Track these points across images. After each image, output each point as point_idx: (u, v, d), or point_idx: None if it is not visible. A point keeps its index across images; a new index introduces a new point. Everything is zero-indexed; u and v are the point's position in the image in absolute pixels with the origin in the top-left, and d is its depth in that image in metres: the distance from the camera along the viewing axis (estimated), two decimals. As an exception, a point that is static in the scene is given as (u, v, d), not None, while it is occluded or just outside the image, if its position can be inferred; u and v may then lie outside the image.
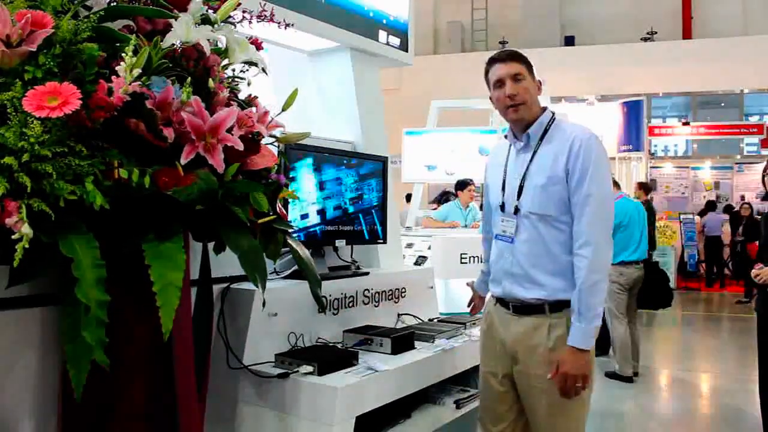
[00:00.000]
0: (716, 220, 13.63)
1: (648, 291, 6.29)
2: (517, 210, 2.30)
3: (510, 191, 2.34)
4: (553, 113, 2.37)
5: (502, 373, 2.36)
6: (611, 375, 6.15)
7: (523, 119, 2.32)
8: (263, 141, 1.74)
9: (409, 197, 10.02)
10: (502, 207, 2.35)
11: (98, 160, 1.38)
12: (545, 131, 2.33)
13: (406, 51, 3.66)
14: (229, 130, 1.55)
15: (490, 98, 2.40)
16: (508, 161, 2.40)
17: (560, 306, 2.26)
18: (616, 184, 6.65)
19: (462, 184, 7.24)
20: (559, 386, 2.18)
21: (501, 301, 2.39)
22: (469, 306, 2.81)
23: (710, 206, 14.07)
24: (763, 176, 3.93)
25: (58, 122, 1.31)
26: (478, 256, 5.73)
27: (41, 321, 1.66)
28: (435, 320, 3.15)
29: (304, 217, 2.69)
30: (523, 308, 2.31)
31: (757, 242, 11.53)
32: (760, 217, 5.98)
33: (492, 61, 2.37)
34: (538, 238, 2.27)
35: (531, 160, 2.31)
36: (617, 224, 6.12)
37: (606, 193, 2.26)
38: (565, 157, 2.23)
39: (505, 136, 2.43)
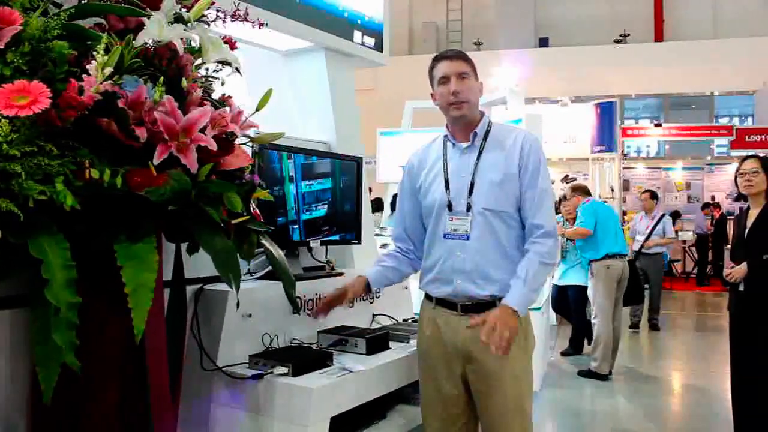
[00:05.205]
0: (701, 219, 13.93)
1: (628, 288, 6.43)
2: (468, 207, 2.31)
3: (458, 189, 2.34)
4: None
5: (456, 375, 2.35)
6: (585, 373, 6.20)
7: (465, 117, 2.36)
8: (237, 141, 1.73)
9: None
10: (450, 206, 2.34)
11: (69, 159, 1.36)
12: (487, 131, 2.39)
13: (381, 51, 3.65)
14: (203, 130, 1.55)
15: (432, 95, 2.43)
16: (447, 161, 2.41)
17: None
18: (586, 191, 6.82)
19: None
20: (484, 334, 2.12)
21: (445, 302, 2.37)
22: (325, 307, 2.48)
23: (705, 207, 14.35)
24: (736, 177, 3.99)
25: (27, 121, 1.29)
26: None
27: (10, 323, 1.64)
28: (410, 320, 3.15)
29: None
30: (473, 307, 2.30)
31: None
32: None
33: (438, 59, 2.40)
34: (492, 234, 2.30)
35: (478, 159, 2.34)
36: (594, 223, 6.25)
37: (551, 190, 2.39)
38: (518, 156, 2.32)
39: (446, 136, 2.44)
